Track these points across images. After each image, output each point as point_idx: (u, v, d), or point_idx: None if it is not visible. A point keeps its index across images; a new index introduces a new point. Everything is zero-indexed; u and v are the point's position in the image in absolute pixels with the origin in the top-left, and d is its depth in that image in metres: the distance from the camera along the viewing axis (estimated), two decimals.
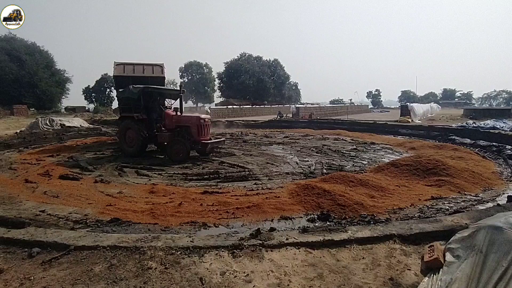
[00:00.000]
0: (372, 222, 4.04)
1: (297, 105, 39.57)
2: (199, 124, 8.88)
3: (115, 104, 51.16)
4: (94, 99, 50.88)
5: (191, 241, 2.79)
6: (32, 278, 2.33)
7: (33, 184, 6.13)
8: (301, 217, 4.43)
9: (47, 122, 16.30)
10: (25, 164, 8.24)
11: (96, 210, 4.62)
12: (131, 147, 9.60)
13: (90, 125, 18.95)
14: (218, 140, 9.88)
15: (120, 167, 7.76)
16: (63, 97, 42.81)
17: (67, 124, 16.98)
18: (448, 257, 2.36)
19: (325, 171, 7.35)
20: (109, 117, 27.44)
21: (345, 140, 13.35)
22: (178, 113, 9.29)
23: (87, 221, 4.20)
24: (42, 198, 5.23)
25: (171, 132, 9.31)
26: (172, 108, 9.95)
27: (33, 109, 34.22)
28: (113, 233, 3.63)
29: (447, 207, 4.71)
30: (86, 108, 44.02)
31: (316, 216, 4.38)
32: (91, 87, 51.11)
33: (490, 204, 4.74)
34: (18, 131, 14.72)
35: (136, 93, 9.34)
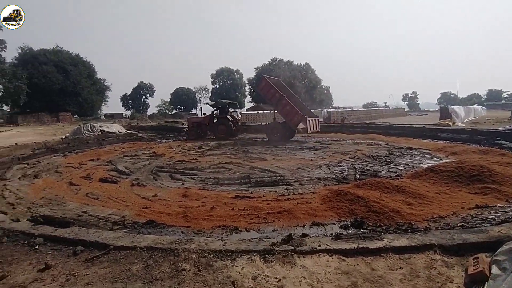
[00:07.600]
0: (409, 230, 3.83)
1: (329, 109, 38.77)
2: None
3: (150, 110, 53.58)
4: (131, 106, 53.55)
5: (223, 245, 2.83)
6: (76, 274, 2.48)
7: (76, 186, 6.54)
8: (334, 224, 4.31)
9: (89, 128, 17.40)
10: (69, 167, 8.82)
11: (133, 212, 4.82)
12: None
13: (127, 131, 19.91)
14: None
15: (155, 171, 8.06)
16: (103, 104, 45.49)
17: (106, 130, 17.98)
18: (494, 269, 2.19)
19: (358, 176, 7.13)
20: (145, 123, 28.65)
21: (380, 145, 12.87)
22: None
23: (125, 223, 4.40)
24: (84, 200, 5.56)
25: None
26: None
27: (76, 116, 36.71)
28: (148, 234, 3.78)
29: (494, 216, 4.36)
30: (124, 114, 46.36)
31: (349, 223, 4.24)
32: (128, 94, 53.85)
33: None
34: (63, 136, 15.81)
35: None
